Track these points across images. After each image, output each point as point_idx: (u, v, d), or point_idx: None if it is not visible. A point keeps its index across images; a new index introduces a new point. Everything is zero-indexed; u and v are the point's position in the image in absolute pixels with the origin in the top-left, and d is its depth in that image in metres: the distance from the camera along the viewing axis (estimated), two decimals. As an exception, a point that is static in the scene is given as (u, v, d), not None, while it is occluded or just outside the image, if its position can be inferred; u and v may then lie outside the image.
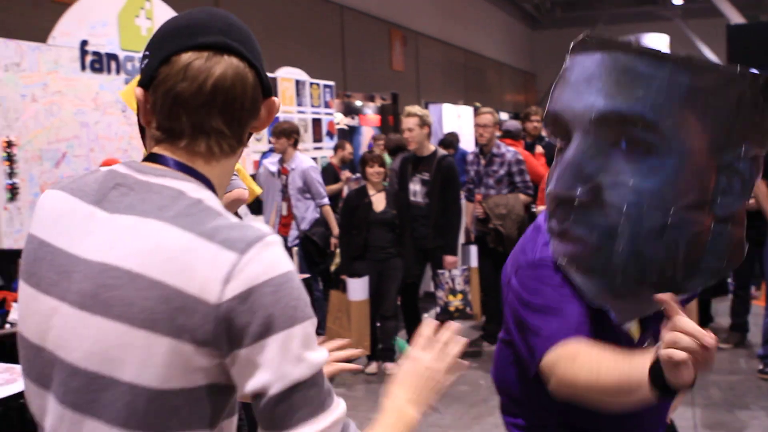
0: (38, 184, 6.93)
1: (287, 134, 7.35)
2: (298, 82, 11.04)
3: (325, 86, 11.68)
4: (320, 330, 6.68)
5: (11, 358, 3.86)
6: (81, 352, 1.19)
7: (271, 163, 7.78)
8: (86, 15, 7.60)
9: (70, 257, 1.24)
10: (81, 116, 7.41)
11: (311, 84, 11.35)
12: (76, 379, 1.20)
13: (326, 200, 7.44)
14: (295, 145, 7.47)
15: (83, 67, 7.46)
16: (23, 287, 1.29)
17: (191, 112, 1.25)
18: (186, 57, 1.24)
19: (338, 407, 1.25)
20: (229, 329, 1.15)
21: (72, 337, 1.20)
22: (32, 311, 1.26)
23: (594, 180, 1.79)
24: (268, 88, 1.34)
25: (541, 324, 1.94)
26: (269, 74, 10.33)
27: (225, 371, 1.20)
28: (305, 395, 1.18)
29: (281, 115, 10.29)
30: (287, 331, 1.16)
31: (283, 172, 7.56)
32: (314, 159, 10.79)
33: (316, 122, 11.32)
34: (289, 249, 7.13)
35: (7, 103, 6.54)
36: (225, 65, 1.25)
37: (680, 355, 1.48)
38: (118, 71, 7.89)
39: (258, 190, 4.53)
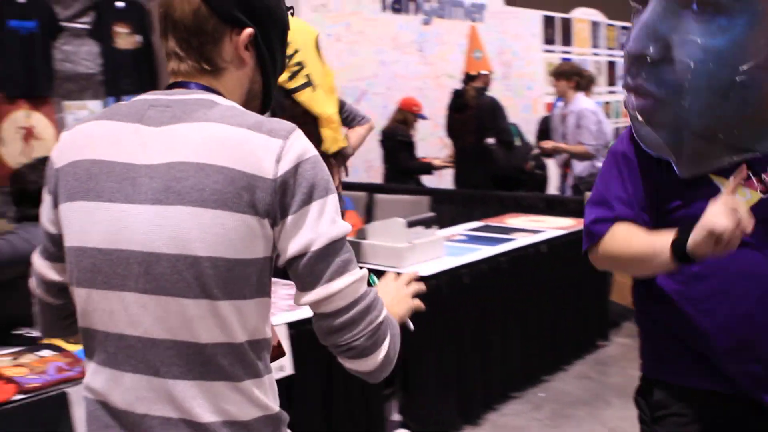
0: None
1: (567, 76, 7.06)
2: (593, 23, 10.70)
3: (622, 28, 11.23)
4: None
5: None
6: (163, 240, 1.37)
7: (563, 106, 7.59)
8: (389, -44, 7.79)
9: (128, 166, 1.41)
10: (380, 55, 7.64)
11: (607, 25, 10.95)
12: (160, 265, 1.37)
13: (592, 143, 6.96)
14: (578, 87, 7.12)
15: (384, 8, 7.66)
16: (80, 205, 1.42)
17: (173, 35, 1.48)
18: None
19: (363, 269, 1.47)
20: (282, 199, 1.37)
21: (151, 230, 1.37)
22: (96, 221, 1.41)
23: (665, 39, 1.90)
24: (232, 19, 1.47)
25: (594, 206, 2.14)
26: (563, 15, 10.08)
27: (274, 243, 1.41)
28: (339, 253, 1.41)
29: (575, 57, 10.03)
30: (324, 199, 1.40)
31: (563, 115, 7.31)
32: (607, 104, 10.45)
33: (611, 65, 10.94)
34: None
35: (315, 42, 6.86)
36: None
37: (720, 227, 1.72)
38: (416, 11, 8.04)
39: (342, 143, 4.30)
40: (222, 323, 1.39)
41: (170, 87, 1.50)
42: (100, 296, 1.43)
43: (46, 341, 2.89)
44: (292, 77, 3.76)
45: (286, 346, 3.11)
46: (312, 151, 1.41)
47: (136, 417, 1.42)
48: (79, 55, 5.90)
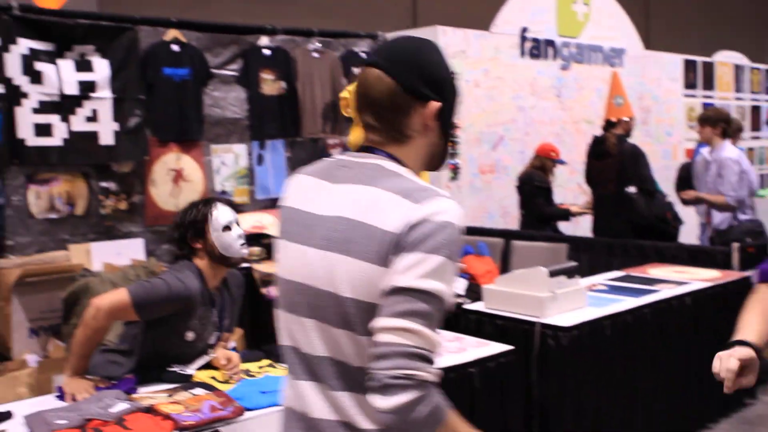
0: (477, 165, 7.27)
1: (712, 122, 6.77)
2: (736, 67, 10.38)
3: (767, 71, 10.85)
4: None
5: (458, 328, 4.09)
6: (322, 278, 1.65)
7: (707, 153, 7.34)
8: (527, 2, 7.80)
9: (309, 215, 1.73)
10: (518, 101, 7.63)
11: (751, 69, 10.61)
12: (319, 298, 1.65)
13: (731, 194, 6.65)
14: (724, 134, 6.81)
15: (522, 54, 7.66)
16: (281, 243, 1.78)
17: (357, 110, 1.76)
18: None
19: (439, 343, 1.56)
20: (395, 248, 1.55)
21: (316, 269, 1.66)
22: (287, 256, 1.76)
23: None
24: (420, 94, 1.70)
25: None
26: (705, 59, 9.83)
27: None
28: (413, 302, 1.52)
29: (718, 102, 9.75)
30: (425, 255, 1.53)
31: (706, 162, 7.00)
32: (750, 150, 10.10)
33: (755, 110, 10.57)
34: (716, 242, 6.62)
35: (453, 88, 6.91)
36: (366, 75, 1.73)
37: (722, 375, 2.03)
38: (554, 57, 8.00)
39: None
40: (361, 352, 1.61)
41: (361, 150, 1.76)
42: (286, 317, 1.76)
43: (197, 379, 2.98)
44: None
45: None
46: (443, 216, 1.57)
47: (312, 420, 1.68)
48: (227, 100, 6.12)
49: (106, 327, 2.96)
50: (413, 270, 1.53)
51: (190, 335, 3.09)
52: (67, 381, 2.94)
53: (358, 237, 1.60)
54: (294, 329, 1.73)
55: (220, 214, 3.18)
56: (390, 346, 1.51)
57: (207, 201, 3.27)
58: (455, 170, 6.98)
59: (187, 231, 3.18)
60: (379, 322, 1.53)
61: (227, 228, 3.16)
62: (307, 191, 1.78)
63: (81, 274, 4.70)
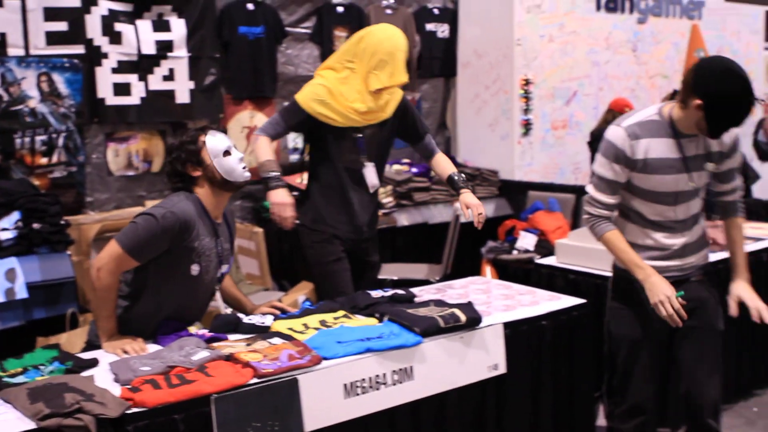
0: (549, 121, 7.19)
1: None
2: (822, 19, 10.02)
3: None
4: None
5: (530, 282, 4.09)
6: None
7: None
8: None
9: None
10: (593, 55, 7.50)
11: (838, 20, 10.22)
12: None
13: None
14: None
15: (598, 8, 7.51)
16: None
17: None
18: None
19: None
20: None
21: None
22: None
23: None
24: None
25: None
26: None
27: None
28: None
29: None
30: None
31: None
32: (835, 104, 9.77)
33: (841, 63, 10.19)
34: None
35: (527, 43, 6.84)
36: None
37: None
38: (631, 10, 7.83)
39: None
40: None
41: None
42: None
43: (275, 329, 3.05)
44: None
45: (501, 345, 3.14)
46: None
47: None
48: (300, 58, 6.18)
49: (114, 283, 2.93)
50: None
51: (194, 269, 3.03)
52: (106, 345, 2.92)
53: None
54: None
55: (217, 139, 3.08)
56: None
57: (198, 129, 3.15)
58: (527, 126, 6.94)
59: (185, 161, 3.06)
60: None
61: (227, 153, 3.06)
62: None
63: (160, 229, 4.83)
